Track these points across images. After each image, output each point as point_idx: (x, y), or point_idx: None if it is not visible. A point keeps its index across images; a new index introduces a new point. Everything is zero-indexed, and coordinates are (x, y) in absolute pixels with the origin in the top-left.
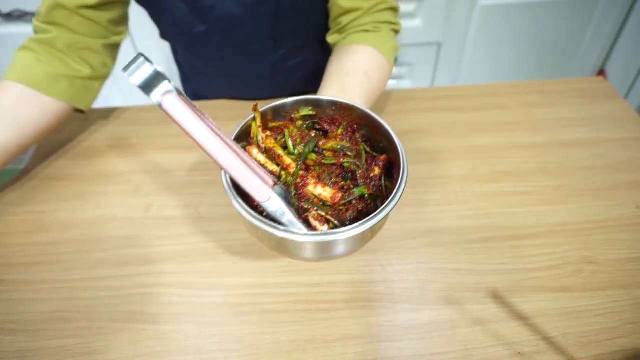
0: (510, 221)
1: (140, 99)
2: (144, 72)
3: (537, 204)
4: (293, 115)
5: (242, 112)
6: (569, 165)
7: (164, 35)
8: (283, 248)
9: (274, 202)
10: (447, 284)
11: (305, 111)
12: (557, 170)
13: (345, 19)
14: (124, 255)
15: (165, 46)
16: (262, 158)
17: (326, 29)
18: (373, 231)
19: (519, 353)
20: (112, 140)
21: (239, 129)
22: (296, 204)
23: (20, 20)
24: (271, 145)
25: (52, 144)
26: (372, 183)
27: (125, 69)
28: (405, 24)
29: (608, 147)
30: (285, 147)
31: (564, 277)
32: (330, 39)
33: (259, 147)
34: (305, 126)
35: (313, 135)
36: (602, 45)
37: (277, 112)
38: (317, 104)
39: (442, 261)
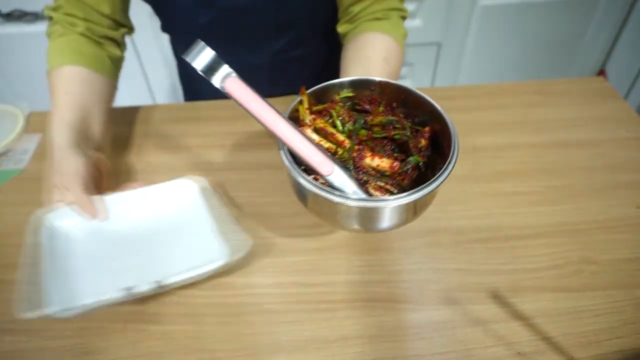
0: (510, 221)
1: (140, 99)
2: (205, 56)
3: (537, 204)
4: (334, 98)
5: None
6: (569, 165)
7: (166, 28)
8: (350, 219)
9: (337, 175)
10: (447, 284)
11: (345, 93)
12: (557, 170)
13: (356, 8)
14: None
15: (161, 46)
16: (316, 137)
17: (329, 22)
18: (432, 195)
19: (519, 353)
20: (111, 140)
21: (287, 113)
22: (355, 176)
23: (20, 20)
24: (322, 125)
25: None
26: (422, 153)
27: (186, 54)
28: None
29: (608, 147)
30: (334, 127)
31: (564, 277)
32: (341, 28)
33: (310, 127)
34: (345, 107)
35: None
36: (602, 45)
37: (319, 95)
38: (359, 85)
39: (442, 261)
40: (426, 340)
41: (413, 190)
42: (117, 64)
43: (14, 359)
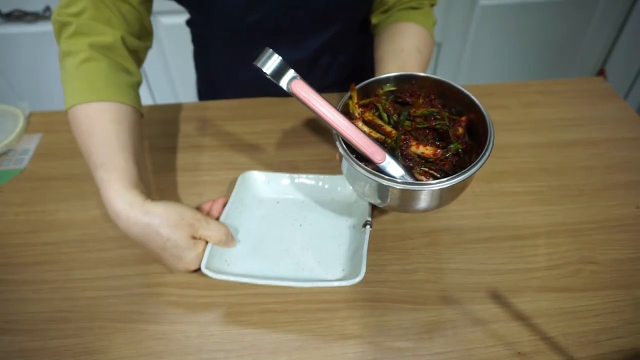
0: (510, 221)
1: None
2: (273, 62)
3: (537, 204)
4: (378, 92)
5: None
6: (569, 165)
7: (202, 26)
8: (398, 200)
9: (388, 162)
10: (447, 284)
11: (388, 87)
12: (557, 170)
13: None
14: (124, 255)
15: (162, 46)
16: (366, 129)
17: (364, 13)
18: (471, 178)
19: (519, 353)
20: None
21: (339, 107)
22: (402, 163)
23: (20, 21)
24: (370, 118)
25: (52, 144)
26: (460, 140)
27: (257, 61)
28: None
29: (608, 147)
30: (380, 119)
31: (564, 277)
32: (375, 19)
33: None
34: (389, 99)
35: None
36: (602, 45)
37: (364, 90)
38: (401, 79)
39: (442, 261)
40: (426, 340)
41: (457, 174)
42: (139, 84)
43: (14, 359)
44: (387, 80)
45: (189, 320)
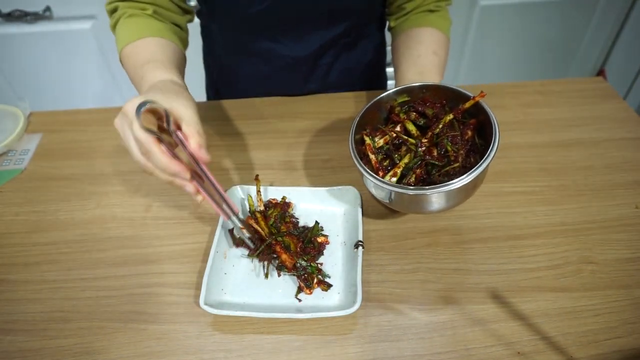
0: (510, 221)
1: None
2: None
3: (537, 204)
4: (392, 104)
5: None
6: (569, 165)
7: (213, 16)
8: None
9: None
10: (447, 284)
11: (402, 98)
12: (557, 170)
13: (410, 5)
14: (124, 255)
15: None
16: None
17: (379, 17)
18: (483, 173)
19: (519, 353)
20: (111, 140)
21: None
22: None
23: (20, 21)
24: (394, 134)
25: (52, 144)
26: (468, 143)
27: None
28: None
29: (608, 147)
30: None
31: (564, 277)
32: (393, 23)
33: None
34: (403, 110)
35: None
36: (602, 45)
37: (378, 105)
38: (410, 91)
39: (442, 261)
40: (426, 340)
41: (441, 184)
42: (184, 42)
43: (14, 359)
44: (402, 91)
45: (189, 320)
